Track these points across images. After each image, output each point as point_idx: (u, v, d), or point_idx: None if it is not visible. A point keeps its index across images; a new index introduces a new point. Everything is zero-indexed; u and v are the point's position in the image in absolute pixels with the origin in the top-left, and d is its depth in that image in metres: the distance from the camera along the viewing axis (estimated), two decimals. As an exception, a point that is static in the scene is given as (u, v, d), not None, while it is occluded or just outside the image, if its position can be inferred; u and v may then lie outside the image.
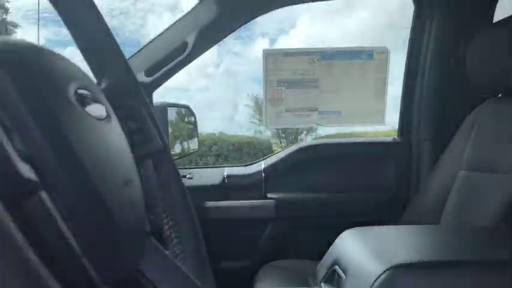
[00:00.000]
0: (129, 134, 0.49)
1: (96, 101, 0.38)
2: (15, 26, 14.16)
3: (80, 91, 0.36)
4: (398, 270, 0.73)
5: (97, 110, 0.37)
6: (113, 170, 0.37)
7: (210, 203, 1.71)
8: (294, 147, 1.83)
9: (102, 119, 0.38)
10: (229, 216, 1.72)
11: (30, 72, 0.32)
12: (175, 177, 0.54)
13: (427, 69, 1.68)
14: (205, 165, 2.03)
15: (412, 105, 1.76)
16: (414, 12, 1.69)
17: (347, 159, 1.81)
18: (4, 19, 13.96)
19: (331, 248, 0.97)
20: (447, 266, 0.77)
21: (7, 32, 13.92)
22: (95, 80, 0.54)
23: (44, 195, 0.28)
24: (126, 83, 0.52)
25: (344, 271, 0.84)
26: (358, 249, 0.87)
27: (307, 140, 10.54)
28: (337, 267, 0.88)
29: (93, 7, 0.52)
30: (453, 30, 1.61)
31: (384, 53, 1.76)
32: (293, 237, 1.75)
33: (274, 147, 10.74)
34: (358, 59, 1.76)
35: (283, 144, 11.76)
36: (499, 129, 1.33)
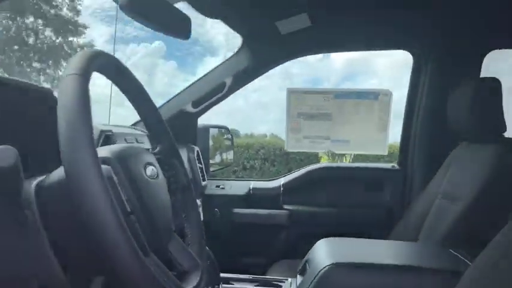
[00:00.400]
0: (168, 178, 0.91)
1: (153, 168, 0.80)
2: (85, 27, 15.27)
3: (147, 166, 0.79)
4: (336, 266, 1.12)
5: (152, 172, 0.80)
6: (158, 202, 0.79)
7: (237, 210, 2.14)
8: (308, 168, 2.22)
9: (155, 178, 0.80)
10: (252, 221, 2.13)
11: (128, 165, 0.75)
12: (192, 201, 0.96)
13: (421, 112, 2.02)
14: (235, 178, 2.45)
15: (409, 141, 2.10)
16: (413, 64, 2.04)
17: (352, 180, 2.18)
18: (76, 21, 15.08)
19: (310, 251, 1.37)
20: (375, 268, 1.15)
21: (77, 33, 15.09)
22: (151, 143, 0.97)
23: (133, 216, 0.70)
24: (169, 150, 0.95)
25: (309, 266, 1.24)
26: (322, 251, 1.27)
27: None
28: (307, 264, 1.28)
29: (151, 103, 0.95)
30: (442, 82, 1.94)
31: (387, 95, 2.12)
32: (302, 242, 2.13)
33: (321, 154, 10.96)
34: (365, 99, 2.13)
35: (329, 153, 11.90)
36: (464, 168, 1.66)
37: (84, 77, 0.66)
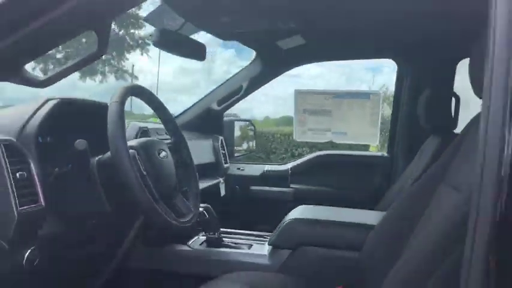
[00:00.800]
0: (175, 159, 1.44)
1: (164, 152, 1.34)
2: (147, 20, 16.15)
3: (160, 151, 1.32)
4: (295, 220, 1.63)
5: (163, 155, 1.33)
6: (166, 172, 1.32)
7: (254, 187, 2.67)
8: (312, 155, 2.70)
9: (166, 158, 1.33)
10: (265, 197, 2.65)
11: (147, 150, 1.28)
12: (193, 174, 1.50)
13: (403, 110, 2.45)
14: (253, 162, 2.96)
15: (395, 134, 2.53)
16: (397, 70, 2.47)
17: (349, 165, 2.64)
18: (137, 14, 15.98)
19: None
20: (323, 223, 1.64)
21: (139, 25, 16.03)
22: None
23: (147, 177, 1.23)
24: (178, 142, 1.48)
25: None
26: (294, 212, 1.76)
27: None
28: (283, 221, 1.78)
29: (167, 112, 1.49)
30: (420, 86, 2.34)
31: (377, 95, 2.56)
32: None
33: (369, 143, 11.23)
34: (359, 99, 2.58)
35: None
36: (424, 156, 2.09)
37: (121, 103, 1.20)
